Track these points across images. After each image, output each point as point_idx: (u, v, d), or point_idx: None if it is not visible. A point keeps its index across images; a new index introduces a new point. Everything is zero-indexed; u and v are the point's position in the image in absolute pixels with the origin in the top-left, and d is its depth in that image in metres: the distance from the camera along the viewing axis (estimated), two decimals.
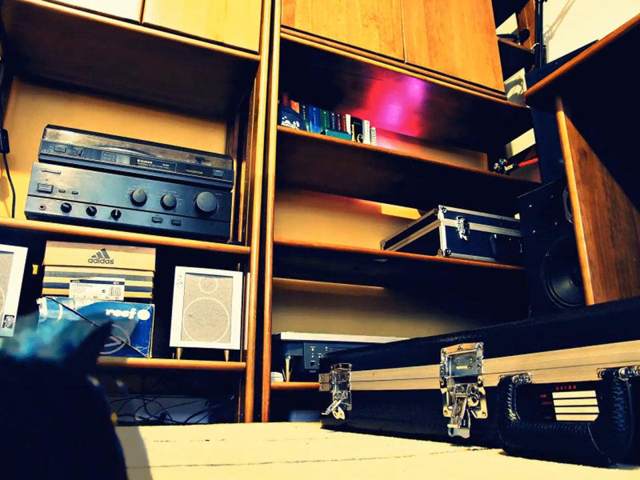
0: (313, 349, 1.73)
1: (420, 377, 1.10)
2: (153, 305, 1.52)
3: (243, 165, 2.09)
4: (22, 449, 0.22)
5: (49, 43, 1.77)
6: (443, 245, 2.02)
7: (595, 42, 1.62)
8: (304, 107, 2.17)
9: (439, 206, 2.08)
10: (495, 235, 2.15)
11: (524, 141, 2.67)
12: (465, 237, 2.07)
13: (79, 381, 0.25)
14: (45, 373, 0.24)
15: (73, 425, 0.24)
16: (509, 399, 0.85)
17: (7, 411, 0.22)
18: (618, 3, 2.25)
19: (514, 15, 2.85)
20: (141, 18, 1.72)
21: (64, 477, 0.22)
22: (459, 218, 2.10)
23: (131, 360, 1.42)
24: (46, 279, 1.44)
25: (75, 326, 0.28)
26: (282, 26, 1.93)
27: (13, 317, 1.36)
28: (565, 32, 2.54)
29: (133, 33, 1.72)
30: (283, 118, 2.01)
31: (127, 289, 1.53)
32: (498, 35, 2.50)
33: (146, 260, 1.57)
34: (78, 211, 1.51)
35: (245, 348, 1.60)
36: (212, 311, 1.59)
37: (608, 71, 1.47)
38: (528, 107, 2.34)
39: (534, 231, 1.84)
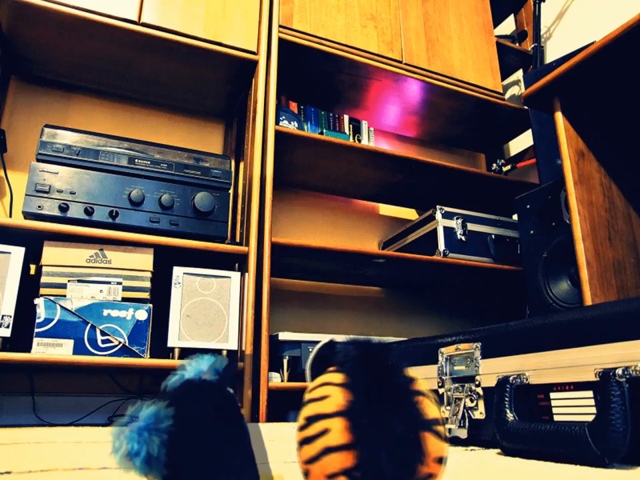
0: (310, 350, 1.73)
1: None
2: (151, 305, 1.51)
3: (241, 165, 2.09)
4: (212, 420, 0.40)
5: (46, 42, 1.77)
6: (441, 246, 2.02)
7: (592, 43, 1.62)
8: (302, 107, 2.17)
9: (437, 206, 2.08)
10: (493, 236, 2.15)
11: (522, 142, 2.67)
12: (463, 238, 2.07)
13: (225, 390, 0.43)
14: (208, 386, 0.42)
15: (225, 413, 0.41)
16: (506, 399, 0.85)
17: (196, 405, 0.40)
18: (615, 4, 2.25)
19: (512, 16, 2.85)
20: (139, 17, 1.72)
21: (225, 437, 0.39)
22: (457, 218, 2.10)
23: (129, 360, 1.42)
24: (43, 279, 1.44)
25: (217, 359, 0.44)
26: (280, 26, 1.93)
27: (10, 317, 1.36)
28: (563, 33, 2.54)
29: (131, 32, 1.71)
30: (281, 118, 2.00)
31: (125, 289, 1.53)
32: (496, 36, 2.50)
33: (144, 260, 1.56)
34: (76, 211, 1.51)
35: (243, 348, 1.60)
36: (210, 311, 1.59)
37: (605, 72, 1.47)
38: (526, 107, 2.34)
39: (532, 232, 1.84)
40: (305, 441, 0.38)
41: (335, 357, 0.44)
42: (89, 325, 1.42)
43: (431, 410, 0.39)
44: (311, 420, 0.38)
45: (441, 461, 0.38)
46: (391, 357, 0.40)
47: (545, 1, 2.54)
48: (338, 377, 0.40)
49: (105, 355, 1.41)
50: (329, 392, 0.39)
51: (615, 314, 0.75)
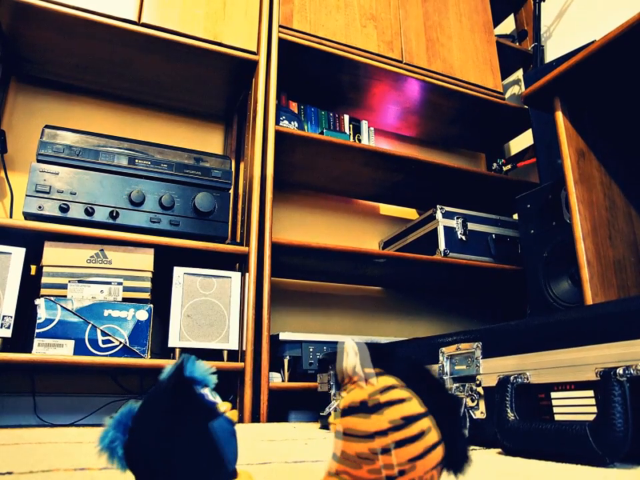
0: (311, 349, 1.74)
1: None
2: (152, 306, 1.52)
3: (242, 165, 2.09)
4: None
5: (46, 43, 1.77)
6: (442, 245, 2.02)
7: (592, 42, 1.62)
8: (302, 107, 2.17)
9: (437, 206, 2.08)
10: (494, 235, 2.15)
11: (522, 141, 2.67)
12: (464, 237, 2.07)
13: (189, 390, 0.43)
14: (167, 386, 0.44)
15: (180, 413, 0.42)
16: (507, 398, 0.85)
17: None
18: (615, 3, 2.25)
19: (512, 15, 2.85)
20: (139, 18, 1.72)
21: (175, 436, 0.41)
22: (457, 218, 2.10)
23: (129, 360, 1.42)
24: (44, 280, 1.44)
25: (190, 360, 0.45)
26: (280, 26, 1.93)
27: (11, 317, 1.36)
28: (563, 32, 2.54)
29: (131, 33, 1.71)
30: (281, 118, 2.00)
31: (125, 289, 1.53)
32: (496, 35, 2.50)
33: (144, 260, 1.57)
34: (76, 212, 1.51)
35: (244, 348, 1.60)
36: (210, 312, 1.59)
37: (606, 71, 1.47)
38: (526, 107, 2.34)
39: (532, 231, 1.84)
40: (407, 441, 0.40)
41: (382, 360, 0.47)
42: (90, 325, 1.42)
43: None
44: (409, 420, 0.40)
45: None
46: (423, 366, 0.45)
47: (545, 1, 2.54)
48: (393, 380, 0.43)
49: (106, 355, 1.41)
50: (404, 395, 0.42)
51: (615, 313, 0.75)
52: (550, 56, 2.56)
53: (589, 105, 1.58)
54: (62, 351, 1.37)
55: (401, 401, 0.41)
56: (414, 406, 0.41)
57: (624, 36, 1.32)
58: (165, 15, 1.76)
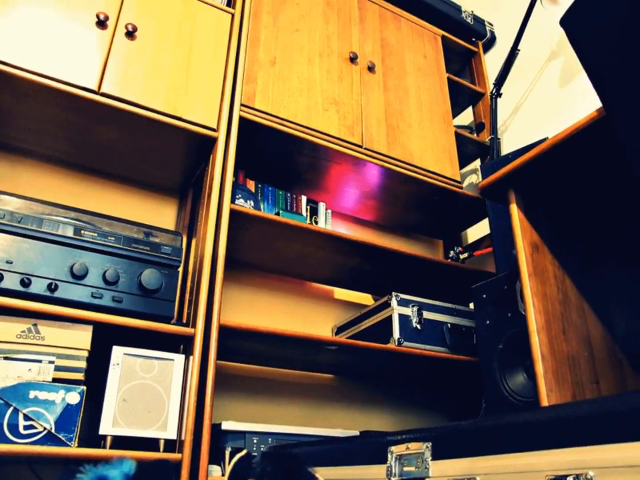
0: (255, 441, 1.65)
1: (365, 478, 1.05)
2: (84, 388, 1.41)
3: (193, 242, 2.04)
4: None
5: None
6: (396, 334, 1.98)
7: (545, 139, 1.67)
8: (260, 185, 2.16)
9: (393, 293, 2.06)
10: (449, 324, 2.13)
11: (479, 229, 2.71)
12: (419, 326, 2.04)
13: None
14: None
15: None
16: None
17: None
18: (566, 103, 2.35)
19: (471, 107, 2.95)
20: (99, 87, 1.70)
21: None
22: (413, 306, 2.07)
23: (53, 449, 1.30)
24: None
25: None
26: (242, 105, 1.94)
27: None
28: (518, 126, 2.64)
29: (89, 101, 1.69)
30: (237, 196, 1.98)
31: (57, 368, 1.42)
32: (456, 126, 2.58)
33: (81, 338, 1.47)
34: (10, 282, 1.42)
35: (182, 438, 1.49)
36: (149, 396, 1.49)
37: (557, 168, 1.51)
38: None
39: (487, 322, 1.82)
40: None
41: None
42: (12, 408, 1.30)
43: None
44: None
45: None
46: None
47: (501, 97, 2.65)
48: None
49: (26, 443, 1.29)
50: None
51: (567, 418, 0.72)
52: (507, 148, 2.63)
53: (543, 199, 1.61)
54: None
55: None
56: None
57: (573, 137, 1.37)
58: (125, 86, 1.75)
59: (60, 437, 1.33)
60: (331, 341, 1.86)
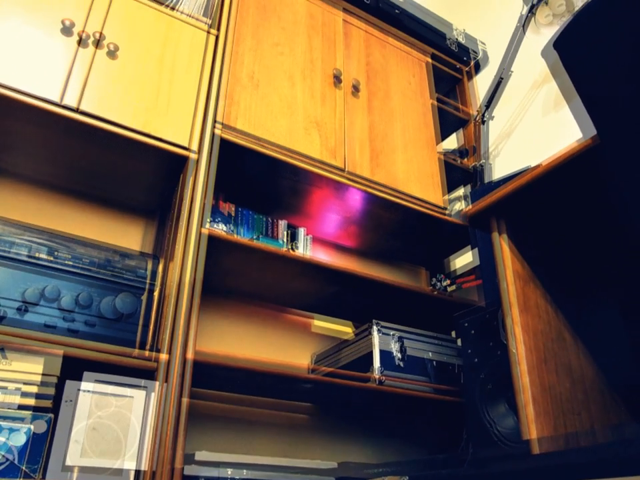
0: (230, 472, 1.58)
1: None
2: (52, 416, 1.33)
3: (170, 266, 1.99)
4: None
5: None
6: (376, 363, 1.93)
7: (528, 167, 1.66)
8: (239, 209, 2.10)
9: (373, 321, 2.01)
10: (431, 354, 2.09)
11: (464, 257, 2.67)
12: (399, 355, 1.99)
13: None
14: None
15: None
16: None
17: None
18: (552, 131, 2.34)
19: (455, 134, 2.94)
20: (61, 100, 1.67)
21: None
22: (394, 334, 2.03)
23: None
24: None
25: None
26: (223, 125, 1.90)
27: None
28: (505, 154, 2.62)
29: (62, 118, 1.65)
30: (216, 220, 1.94)
31: (24, 395, 1.35)
32: (443, 150, 2.55)
33: (50, 363, 1.40)
34: None
35: (154, 469, 1.42)
36: (121, 425, 1.42)
37: (543, 198, 1.51)
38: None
39: (469, 351, 1.78)
40: None
41: None
42: None
43: None
44: None
45: None
46: None
47: (493, 119, 2.63)
48: None
49: None
50: None
51: (545, 467, 0.67)
52: (499, 172, 2.61)
53: (527, 229, 1.59)
54: None
55: None
56: None
57: (558, 168, 1.37)
58: (100, 103, 1.71)
59: (23, 468, 1.26)
60: (307, 379, 1.81)
